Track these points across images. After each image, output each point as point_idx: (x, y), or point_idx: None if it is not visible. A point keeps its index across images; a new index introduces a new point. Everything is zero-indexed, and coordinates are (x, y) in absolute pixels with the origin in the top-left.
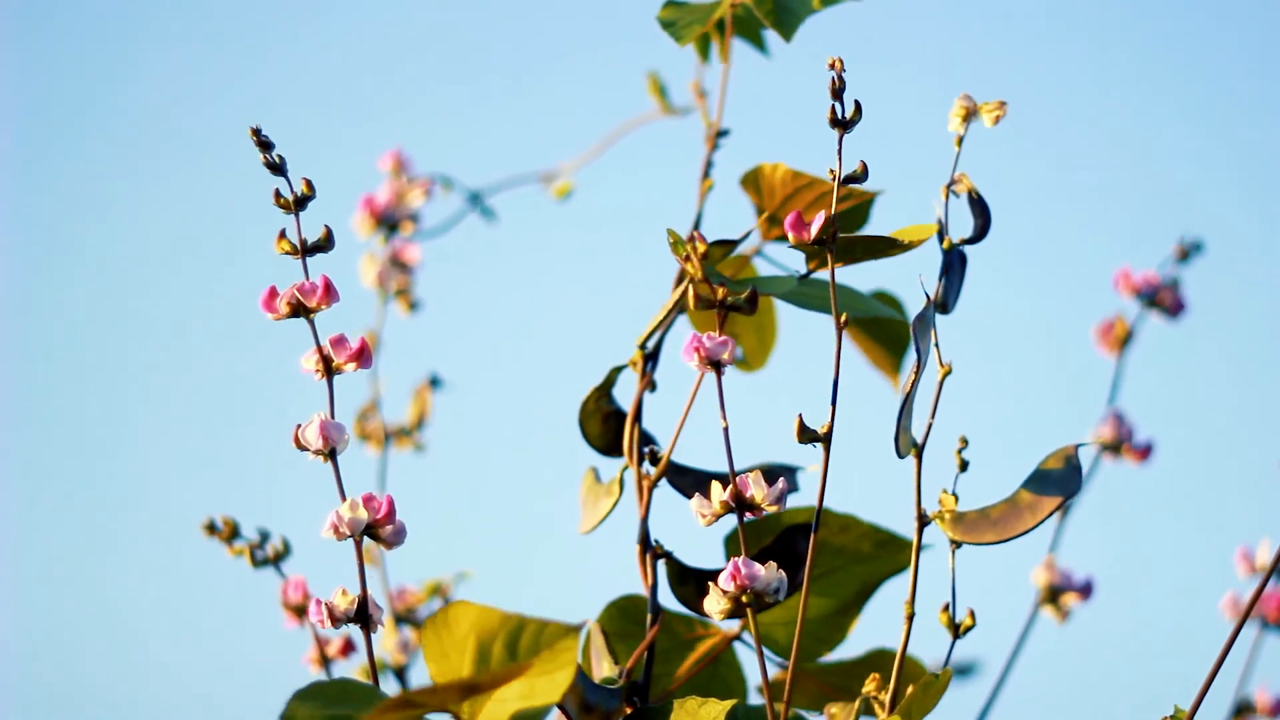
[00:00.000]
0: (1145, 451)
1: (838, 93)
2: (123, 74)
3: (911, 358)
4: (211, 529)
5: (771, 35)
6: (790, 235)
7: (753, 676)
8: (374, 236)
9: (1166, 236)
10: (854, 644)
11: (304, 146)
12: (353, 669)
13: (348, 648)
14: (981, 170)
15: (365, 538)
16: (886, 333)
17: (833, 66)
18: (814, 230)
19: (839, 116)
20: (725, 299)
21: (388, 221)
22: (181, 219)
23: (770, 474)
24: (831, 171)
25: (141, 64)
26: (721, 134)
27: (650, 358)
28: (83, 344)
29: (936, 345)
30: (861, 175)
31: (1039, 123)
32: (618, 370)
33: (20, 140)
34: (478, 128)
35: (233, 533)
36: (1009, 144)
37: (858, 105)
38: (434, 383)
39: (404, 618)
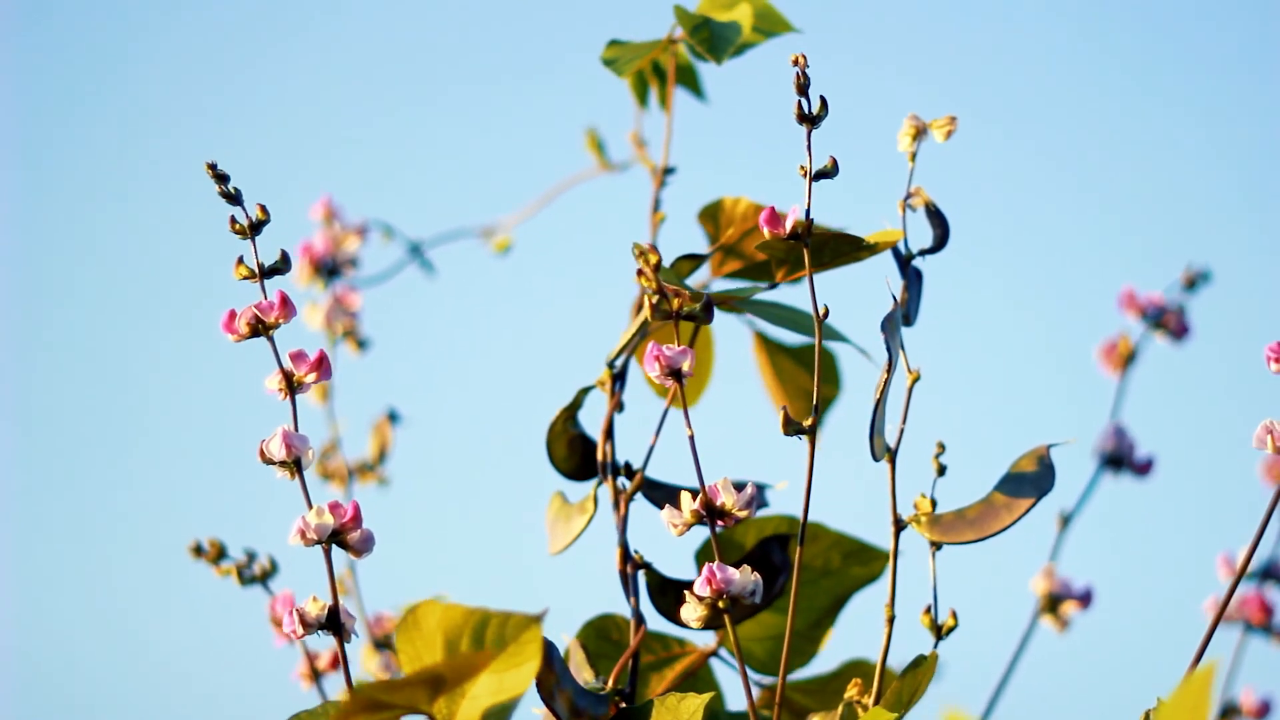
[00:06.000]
0: (1146, 466)
1: (803, 88)
2: (108, 91)
3: (833, 417)
4: (198, 551)
5: (711, 86)
6: (765, 230)
7: (729, 692)
8: (313, 284)
9: (1175, 253)
10: (828, 657)
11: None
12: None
13: (337, 661)
14: (980, 183)
15: (335, 545)
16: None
17: (796, 62)
18: (789, 224)
19: (805, 112)
20: (680, 309)
21: (326, 268)
22: (183, 222)
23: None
24: (802, 168)
25: (120, 80)
26: (669, 171)
27: (618, 378)
28: (84, 344)
29: (903, 348)
30: (832, 170)
31: (1042, 135)
32: (585, 391)
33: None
34: (418, 182)
35: (219, 554)
36: (1008, 158)
37: (824, 101)
38: (392, 417)
39: (383, 643)
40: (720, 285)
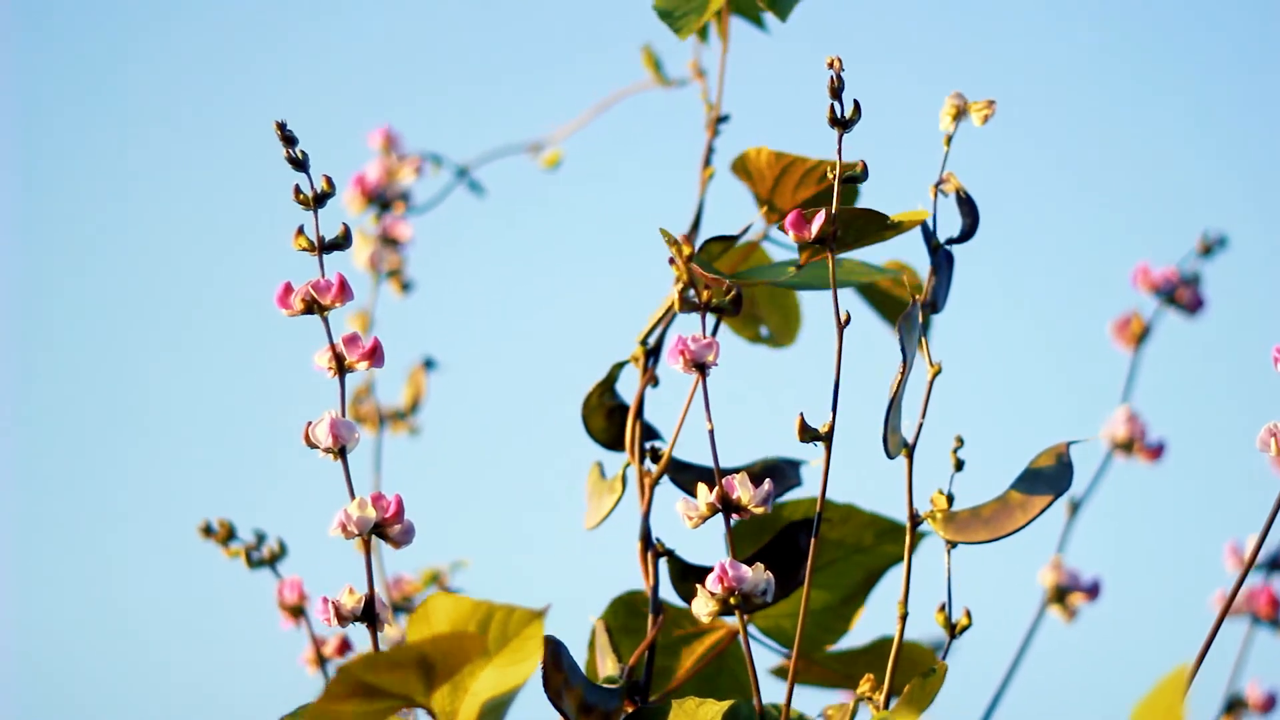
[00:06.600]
0: (1157, 451)
1: (836, 92)
2: (117, 60)
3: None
4: (208, 531)
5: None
6: (791, 233)
7: (760, 667)
8: (365, 215)
9: (1181, 232)
10: (861, 632)
11: (284, 120)
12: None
13: (344, 647)
14: (999, 163)
15: (374, 537)
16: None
17: (831, 66)
18: (814, 229)
19: (838, 116)
20: (709, 302)
21: (379, 200)
22: (172, 221)
23: (768, 470)
24: (830, 171)
25: (133, 48)
26: (722, 119)
27: (652, 353)
28: (83, 342)
29: (924, 342)
30: (862, 174)
31: (1057, 116)
32: (620, 366)
33: (20, 137)
34: (463, 99)
35: (229, 534)
36: (1025, 136)
37: (856, 105)
38: (428, 364)
39: (401, 607)
40: (775, 233)
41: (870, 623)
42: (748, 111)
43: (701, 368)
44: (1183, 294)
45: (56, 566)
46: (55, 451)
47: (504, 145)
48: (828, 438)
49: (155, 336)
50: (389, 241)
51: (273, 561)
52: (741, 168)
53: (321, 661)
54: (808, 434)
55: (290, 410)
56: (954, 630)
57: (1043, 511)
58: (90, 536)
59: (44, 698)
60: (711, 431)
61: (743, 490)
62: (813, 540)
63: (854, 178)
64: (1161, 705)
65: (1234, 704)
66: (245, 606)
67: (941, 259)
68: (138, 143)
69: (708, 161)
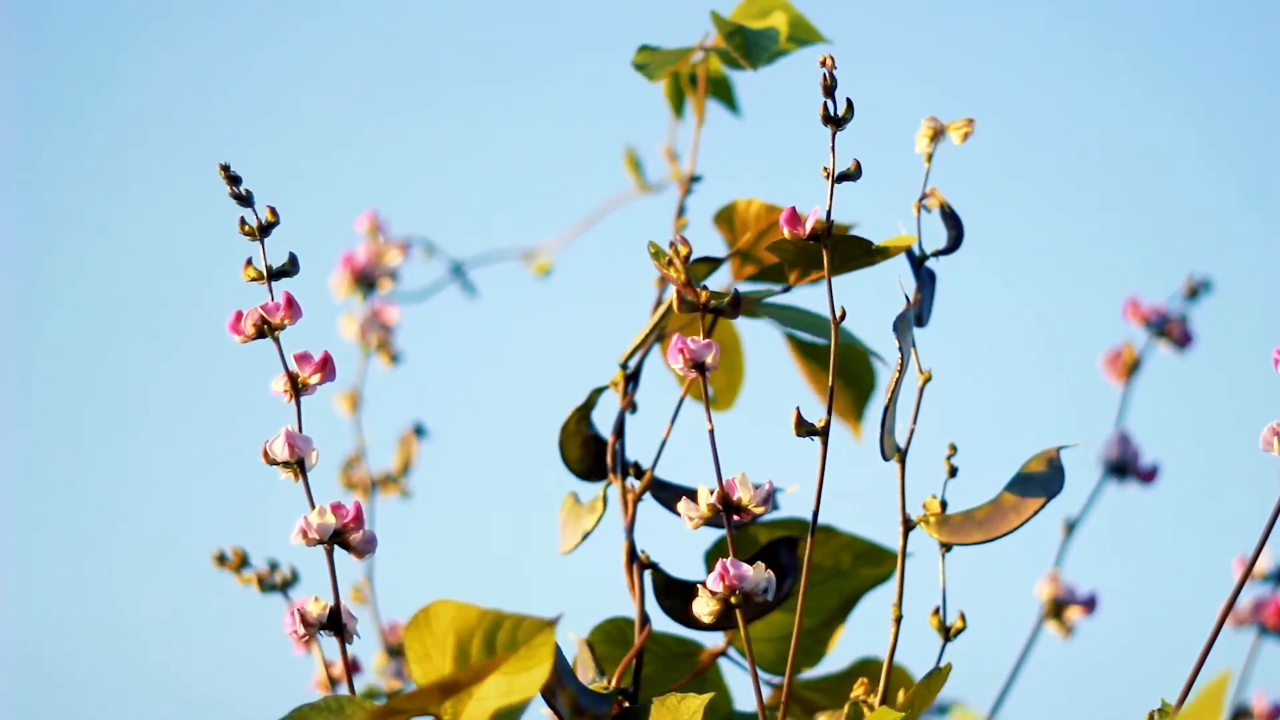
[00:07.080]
0: (1151, 474)
1: (829, 90)
2: (117, 60)
3: (874, 410)
4: (221, 559)
5: (743, 100)
6: (785, 230)
7: (738, 692)
8: (352, 295)
9: (1178, 261)
10: (839, 656)
11: (287, 215)
12: (358, 691)
13: (352, 667)
14: (995, 190)
15: (336, 545)
16: (851, 377)
17: (824, 64)
18: (809, 225)
19: (831, 114)
20: (708, 301)
21: (366, 280)
22: (196, 217)
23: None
24: (825, 169)
25: (133, 49)
26: (695, 179)
27: (631, 379)
28: (88, 347)
29: (915, 347)
30: (855, 173)
31: (1051, 143)
32: (599, 391)
33: (20, 137)
34: (460, 202)
35: (241, 562)
36: (1019, 164)
37: (849, 103)
38: (419, 431)
39: (397, 651)
40: (741, 288)
41: (849, 646)
42: (721, 191)
43: (701, 368)
44: (1173, 329)
45: (56, 566)
46: (55, 451)
47: (498, 250)
48: (824, 432)
49: (155, 337)
50: (377, 322)
51: (284, 588)
52: (725, 218)
53: (332, 685)
54: (803, 428)
55: (290, 411)
56: (948, 633)
57: (1036, 513)
58: (90, 536)
59: (44, 698)
60: (711, 432)
61: (743, 490)
62: (810, 540)
63: (847, 175)
64: (1199, 712)
65: (1240, 714)
66: (244, 607)
67: (925, 276)
68: (137, 143)
69: (680, 215)
